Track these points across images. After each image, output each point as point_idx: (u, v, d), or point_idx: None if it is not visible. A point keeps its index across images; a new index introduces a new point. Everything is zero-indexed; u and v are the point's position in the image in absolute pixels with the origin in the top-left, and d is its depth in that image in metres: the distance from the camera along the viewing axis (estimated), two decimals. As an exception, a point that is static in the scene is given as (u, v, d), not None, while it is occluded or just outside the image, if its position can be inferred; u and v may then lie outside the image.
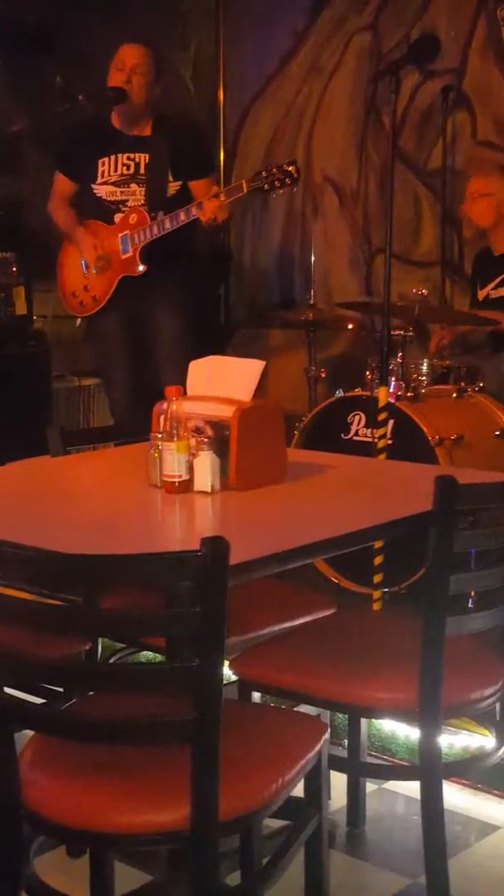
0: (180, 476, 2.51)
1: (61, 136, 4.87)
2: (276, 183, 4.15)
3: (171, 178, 4.52)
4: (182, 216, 4.36)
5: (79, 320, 4.76)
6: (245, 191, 4.22)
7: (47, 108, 5.04)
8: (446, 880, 2.40)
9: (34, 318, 5.37)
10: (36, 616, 2.00)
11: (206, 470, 2.50)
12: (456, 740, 3.08)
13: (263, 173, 4.19)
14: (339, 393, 4.26)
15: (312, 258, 5.33)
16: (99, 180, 4.58)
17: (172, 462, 2.50)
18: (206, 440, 2.52)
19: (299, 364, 5.23)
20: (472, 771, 2.93)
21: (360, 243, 5.46)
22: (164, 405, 2.57)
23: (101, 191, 4.59)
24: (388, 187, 3.74)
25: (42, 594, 2.14)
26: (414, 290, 4.41)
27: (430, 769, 2.37)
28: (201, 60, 6.18)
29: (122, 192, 4.54)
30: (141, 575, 1.98)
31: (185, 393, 2.67)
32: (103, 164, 4.57)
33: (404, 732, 3.15)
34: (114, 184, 4.56)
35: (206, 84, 6.13)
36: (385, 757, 3.17)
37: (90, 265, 4.60)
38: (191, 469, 2.52)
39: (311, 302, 5.15)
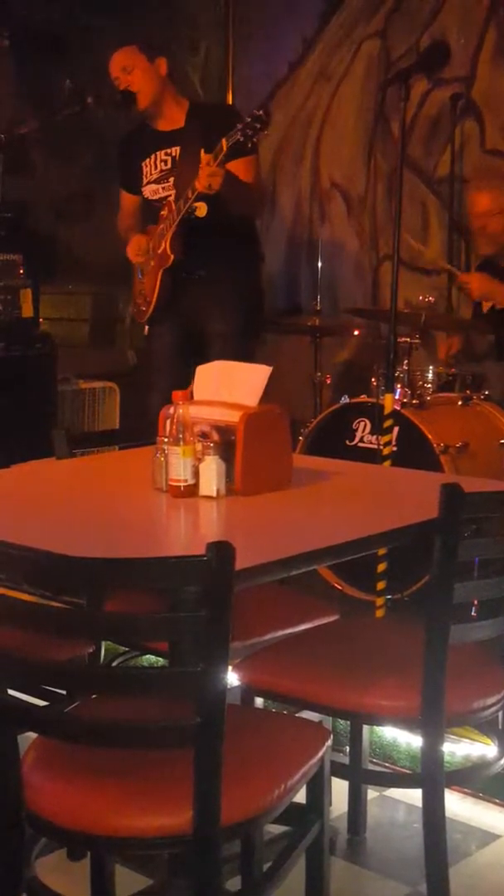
0: (186, 480, 2.51)
1: (116, 154, 4.86)
2: (249, 131, 4.10)
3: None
4: (189, 194, 4.34)
5: (146, 328, 4.75)
6: (225, 148, 4.16)
7: (56, 111, 5.05)
8: (447, 889, 2.40)
9: (41, 320, 5.37)
10: (39, 618, 2.00)
11: (211, 474, 2.51)
12: (458, 749, 3.08)
13: (238, 126, 4.15)
14: (345, 399, 4.26)
15: (319, 264, 5.33)
16: (144, 182, 4.59)
17: (178, 466, 2.51)
18: (211, 445, 2.52)
19: (305, 370, 5.23)
20: (474, 780, 2.92)
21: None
22: (171, 409, 2.57)
23: (147, 192, 4.59)
24: (395, 194, 3.74)
25: (46, 597, 2.15)
26: (420, 297, 4.41)
27: (431, 777, 2.37)
28: (210, 65, 6.19)
29: (163, 189, 4.54)
30: (146, 579, 1.98)
31: (191, 397, 2.68)
32: (146, 165, 4.58)
33: (406, 740, 3.14)
34: (155, 182, 4.56)
35: (215, 89, 6.14)
36: (387, 764, 3.16)
37: (139, 269, 4.61)
38: (196, 473, 2.52)
39: (318, 308, 5.16)
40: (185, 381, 4.66)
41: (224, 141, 4.11)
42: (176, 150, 4.51)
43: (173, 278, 4.50)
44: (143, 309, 4.66)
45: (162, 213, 4.48)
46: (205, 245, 4.44)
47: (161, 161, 4.54)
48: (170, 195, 4.48)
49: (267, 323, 5.78)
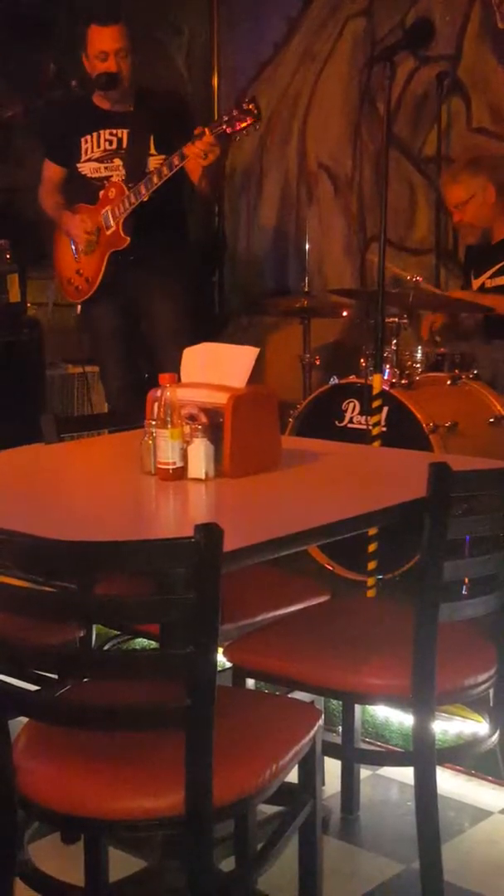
0: (174, 463, 2.51)
1: (46, 123, 4.85)
2: (238, 123, 4.11)
3: (153, 151, 4.49)
4: (155, 178, 4.33)
5: (78, 307, 4.75)
6: (209, 137, 4.15)
7: (40, 95, 5.02)
8: (440, 866, 2.41)
9: (28, 305, 5.35)
10: (30, 603, 2.00)
11: (199, 457, 2.50)
12: (449, 726, 3.09)
13: (225, 117, 4.15)
14: (334, 380, 4.25)
15: (307, 245, 5.31)
16: (83, 158, 4.58)
17: (166, 449, 2.50)
18: (199, 427, 2.52)
19: (294, 351, 5.22)
20: (466, 757, 2.93)
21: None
22: (158, 392, 2.56)
23: (86, 168, 4.59)
24: (382, 174, 3.73)
25: (36, 581, 2.14)
26: (408, 277, 4.41)
27: (423, 755, 2.38)
28: (195, 46, 6.15)
29: (105, 168, 4.53)
30: (135, 562, 1.98)
31: (179, 380, 2.67)
32: (86, 141, 4.57)
33: (398, 719, 3.15)
34: (97, 160, 4.55)
35: (200, 70, 6.11)
36: (379, 743, 3.17)
37: (80, 247, 4.59)
38: (185, 456, 2.52)
39: (306, 289, 5.14)
40: (136, 361, 4.71)
41: (207, 131, 4.11)
42: (123, 133, 4.52)
43: (118, 260, 4.50)
44: (81, 288, 4.65)
45: (107, 193, 4.47)
46: (145, 228, 4.45)
47: (105, 140, 4.53)
48: (112, 175, 4.48)
49: (255, 304, 5.79)
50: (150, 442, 2.55)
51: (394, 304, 4.26)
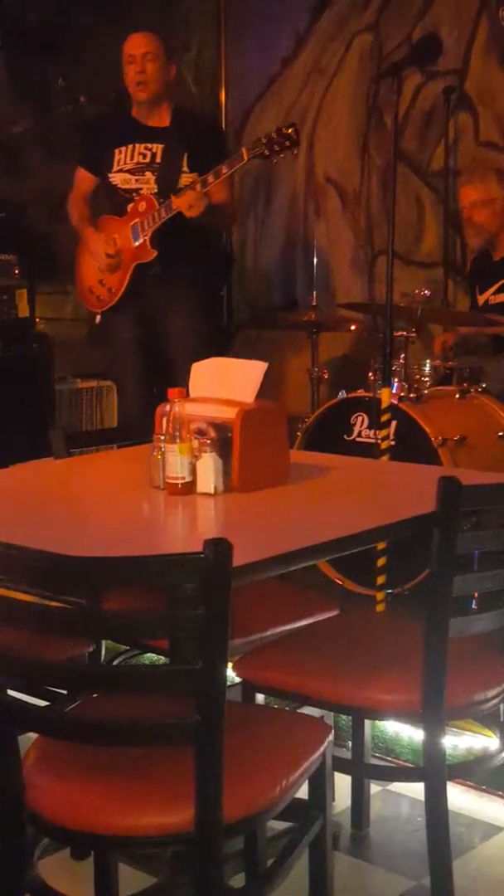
0: (183, 478, 2.50)
1: (83, 132, 4.88)
2: (276, 147, 4.14)
3: (186, 169, 4.51)
4: (163, 213, 4.39)
5: (98, 316, 4.76)
6: (246, 159, 4.21)
7: (49, 109, 5.04)
8: (450, 882, 2.40)
9: (37, 319, 5.36)
10: (39, 618, 2.00)
11: (208, 471, 2.50)
12: (460, 742, 3.07)
13: (263, 139, 4.19)
14: (342, 394, 4.25)
15: (315, 259, 5.33)
16: (114, 168, 4.60)
17: (175, 464, 2.50)
18: (208, 442, 2.51)
19: (302, 365, 5.23)
20: (477, 772, 2.92)
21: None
22: (167, 407, 2.57)
23: (116, 179, 4.61)
24: (390, 188, 3.73)
25: (45, 596, 2.14)
26: (416, 291, 4.41)
27: (434, 771, 2.37)
28: (203, 61, 6.18)
29: (136, 181, 4.55)
30: (144, 576, 1.98)
31: (187, 394, 2.67)
32: (120, 152, 4.60)
33: (408, 734, 3.14)
34: (129, 171, 4.57)
35: (209, 85, 6.13)
36: (389, 758, 3.16)
37: (100, 264, 4.61)
38: (193, 471, 2.51)
39: (314, 303, 5.15)
40: (149, 374, 4.72)
41: (244, 150, 4.15)
42: (157, 148, 4.54)
43: (141, 272, 4.51)
44: (103, 298, 4.66)
45: (137, 206, 4.49)
46: (171, 242, 4.46)
47: (139, 153, 4.56)
48: (143, 188, 4.50)
49: (263, 318, 5.80)
50: (159, 456, 2.55)
51: (402, 317, 4.26)
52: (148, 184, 4.53)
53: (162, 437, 2.55)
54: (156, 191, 4.49)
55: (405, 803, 3.01)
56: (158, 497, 2.54)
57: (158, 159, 4.54)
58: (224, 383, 2.67)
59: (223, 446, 2.52)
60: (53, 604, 2.13)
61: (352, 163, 5.66)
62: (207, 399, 2.65)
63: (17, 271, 5.12)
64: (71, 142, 6.26)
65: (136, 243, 4.51)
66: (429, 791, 2.38)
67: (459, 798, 2.94)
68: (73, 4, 6.10)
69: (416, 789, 2.72)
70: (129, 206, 4.54)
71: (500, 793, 2.97)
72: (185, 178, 4.49)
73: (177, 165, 4.49)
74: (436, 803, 2.38)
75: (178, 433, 2.50)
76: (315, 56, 5.77)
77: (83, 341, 6.19)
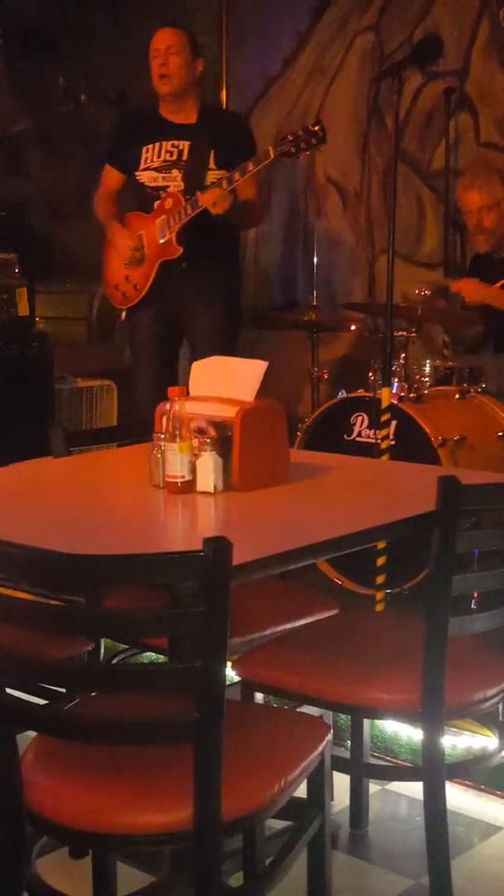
0: (183, 476, 2.50)
1: (112, 129, 4.87)
2: (303, 145, 4.13)
3: (213, 166, 4.49)
4: (189, 209, 4.38)
5: (123, 313, 4.75)
6: (272, 156, 4.20)
7: (49, 109, 5.04)
8: (449, 882, 2.40)
9: (37, 318, 5.37)
10: (38, 617, 1.99)
11: (208, 470, 2.50)
12: (459, 741, 3.07)
13: (289, 137, 4.16)
14: (342, 394, 4.26)
15: (315, 259, 5.32)
16: (142, 167, 4.59)
17: (175, 462, 2.50)
18: (208, 441, 2.51)
19: (302, 365, 5.23)
20: (475, 772, 2.92)
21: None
22: (167, 406, 2.57)
23: (144, 177, 4.59)
24: (390, 188, 3.73)
25: (45, 595, 2.14)
26: (417, 291, 4.41)
27: (432, 770, 2.37)
28: (205, 62, 6.17)
29: (163, 178, 4.54)
30: (144, 575, 1.98)
31: (187, 393, 2.67)
32: (147, 150, 4.58)
33: (407, 733, 3.14)
34: (156, 169, 4.56)
35: (209, 86, 6.13)
36: (388, 758, 3.16)
37: (125, 257, 4.60)
38: (193, 469, 2.51)
39: (314, 303, 5.15)
40: (169, 372, 4.71)
41: (270, 148, 4.14)
42: (184, 145, 4.52)
43: (168, 269, 4.51)
44: (129, 295, 4.65)
45: (164, 203, 4.49)
46: (197, 239, 4.45)
47: (167, 151, 4.55)
48: (170, 186, 4.49)
49: (263, 318, 5.79)
50: (159, 455, 2.55)
51: (402, 317, 4.26)
52: (175, 181, 4.51)
53: (162, 436, 2.55)
54: (182, 188, 4.48)
55: (404, 803, 3.01)
56: (158, 496, 2.54)
57: (185, 156, 4.53)
58: (224, 382, 2.67)
59: (223, 445, 2.52)
60: (53, 602, 2.13)
61: (352, 163, 5.66)
62: (208, 398, 2.65)
63: (17, 270, 5.12)
64: (72, 141, 6.28)
65: (162, 240, 4.50)
66: (427, 790, 2.38)
67: (458, 798, 2.94)
68: (73, 5, 6.11)
69: (415, 789, 2.72)
70: (156, 204, 4.53)
71: (499, 792, 2.97)
72: (212, 175, 4.46)
73: (203, 162, 4.47)
74: (434, 803, 2.38)
75: (178, 432, 2.50)
76: (316, 56, 5.76)
77: (83, 340, 6.20)
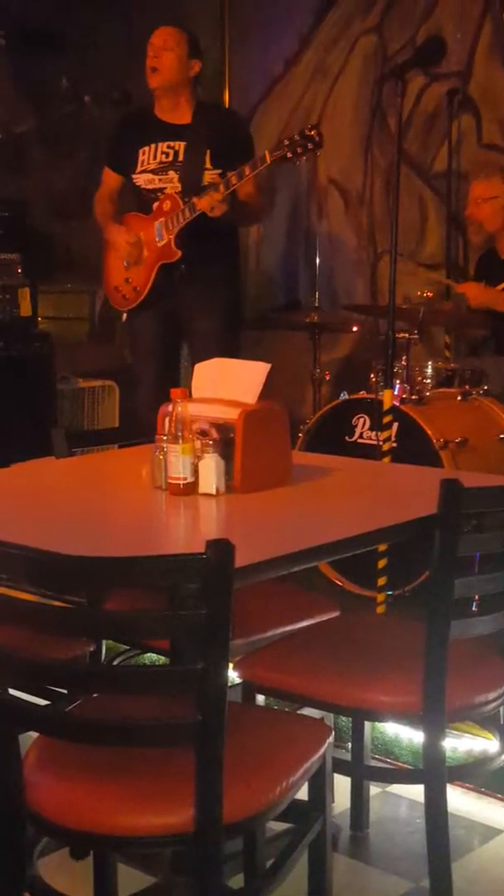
0: (185, 478, 2.51)
1: (111, 131, 4.86)
2: (299, 149, 4.13)
3: (209, 166, 4.49)
4: (187, 213, 4.37)
5: (123, 315, 4.75)
6: (269, 161, 4.19)
7: (53, 110, 5.04)
8: (449, 884, 2.40)
9: (39, 319, 5.37)
10: (40, 618, 2.00)
11: (210, 472, 2.50)
12: (460, 744, 3.07)
13: (285, 141, 4.16)
14: (344, 395, 4.26)
15: (317, 260, 5.32)
16: (138, 169, 4.58)
17: (177, 464, 2.50)
18: (210, 442, 2.52)
19: (304, 367, 5.23)
20: (476, 775, 2.92)
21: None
22: (170, 407, 2.57)
23: (140, 179, 4.59)
24: (393, 190, 3.73)
25: (46, 596, 2.15)
26: (419, 293, 4.41)
27: (433, 773, 2.37)
28: (207, 63, 6.16)
29: (160, 180, 4.53)
30: (146, 577, 1.98)
31: (190, 395, 2.67)
32: (143, 153, 4.57)
33: (408, 736, 3.14)
34: (152, 171, 4.55)
35: (212, 87, 6.12)
36: (389, 760, 3.16)
37: (123, 256, 4.60)
38: (196, 471, 2.52)
39: (316, 304, 5.15)
40: (170, 373, 4.71)
41: (267, 153, 4.14)
42: (179, 146, 4.51)
43: (167, 272, 4.51)
44: (129, 297, 4.65)
45: (161, 205, 4.48)
46: (196, 241, 4.45)
47: (162, 153, 4.54)
48: (167, 188, 4.49)
49: (265, 319, 5.79)
50: (161, 457, 2.55)
51: (405, 319, 4.26)
52: (171, 182, 4.51)
53: (164, 438, 2.55)
54: (180, 189, 4.48)
55: (405, 805, 3.01)
56: (160, 497, 2.54)
57: (181, 157, 4.52)
58: (227, 384, 2.67)
59: (225, 447, 2.53)
60: (55, 603, 2.13)
61: (355, 164, 5.66)
62: (210, 400, 2.65)
63: (19, 270, 5.13)
64: (75, 142, 6.28)
65: (161, 242, 4.49)
66: (428, 793, 2.38)
67: (459, 800, 2.94)
68: (77, 6, 6.10)
69: (416, 791, 2.72)
70: (155, 205, 4.53)
71: (500, 795, 2.97)
72: (209, 175, 4.46)
73: (200, 162, 4.46)
74: (435, 805, 2.38)
75: (180, 433, 2.50)
76: (319, 57, 5.77)
77: (85, 341, 6.20)
